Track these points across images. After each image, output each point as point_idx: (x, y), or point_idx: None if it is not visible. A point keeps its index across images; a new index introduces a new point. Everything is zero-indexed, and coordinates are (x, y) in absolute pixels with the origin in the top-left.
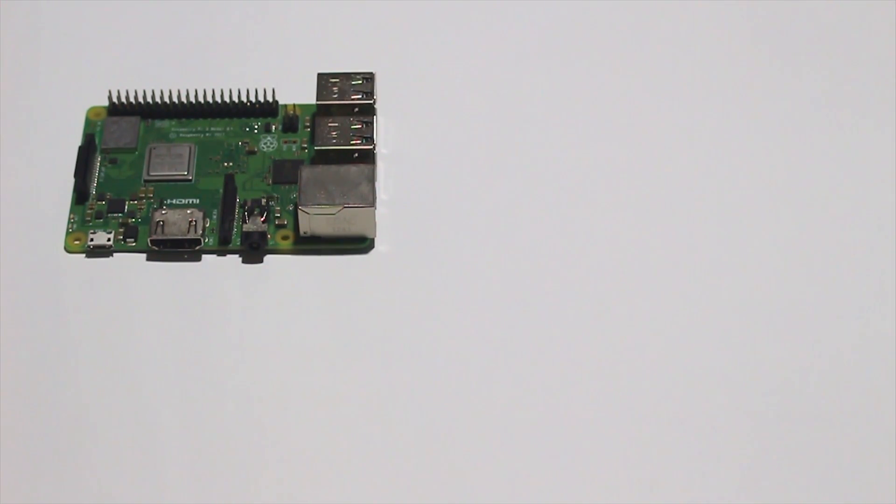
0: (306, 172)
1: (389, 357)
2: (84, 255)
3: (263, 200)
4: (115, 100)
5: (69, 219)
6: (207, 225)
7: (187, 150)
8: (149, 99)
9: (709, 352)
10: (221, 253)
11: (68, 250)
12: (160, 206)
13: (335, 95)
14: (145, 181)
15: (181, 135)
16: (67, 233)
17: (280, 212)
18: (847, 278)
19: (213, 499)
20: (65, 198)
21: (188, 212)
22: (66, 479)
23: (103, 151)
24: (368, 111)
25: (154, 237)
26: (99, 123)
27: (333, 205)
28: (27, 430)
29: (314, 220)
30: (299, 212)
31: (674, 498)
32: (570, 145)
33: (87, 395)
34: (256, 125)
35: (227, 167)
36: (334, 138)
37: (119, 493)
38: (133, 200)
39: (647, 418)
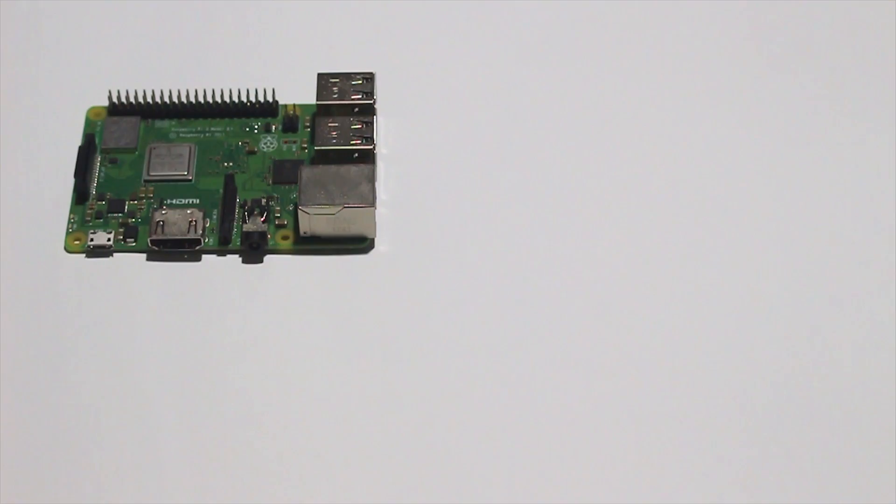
0: (306, 172)
1: (389, 357)
2: (84, 255)
3: (263, 200)
4: (115, 100)
5: (69, 219)
6: (207, 225)
7: (187, 150)
8: (149, 99)
9: (708, 352)
10: (221, 253)
11: (68, 250)
12: (160, 206)
13: (335, 95)
14: (145, 181)
15: (181, 135)
16: (67, 233)
17: (280, 212)
18: (847, 277)
19: (214, 499)
20: (65, 198)
21: (188, 212)
22: (66, 479)
23: (103, 151)
24: (368, 111)
25: (154, 237)
26: (99, 123)
27: (333, 205)
28: (27, 430)
29: (314, 220)
30: (299, 212)
31: (674, 498)
32: (571, 145)
33: (87, 395)
34: (256, 125)
35: (227, 167)
36: (334, 138)
37: (119, 493)
38: (133, 200)
39: (648, 419)
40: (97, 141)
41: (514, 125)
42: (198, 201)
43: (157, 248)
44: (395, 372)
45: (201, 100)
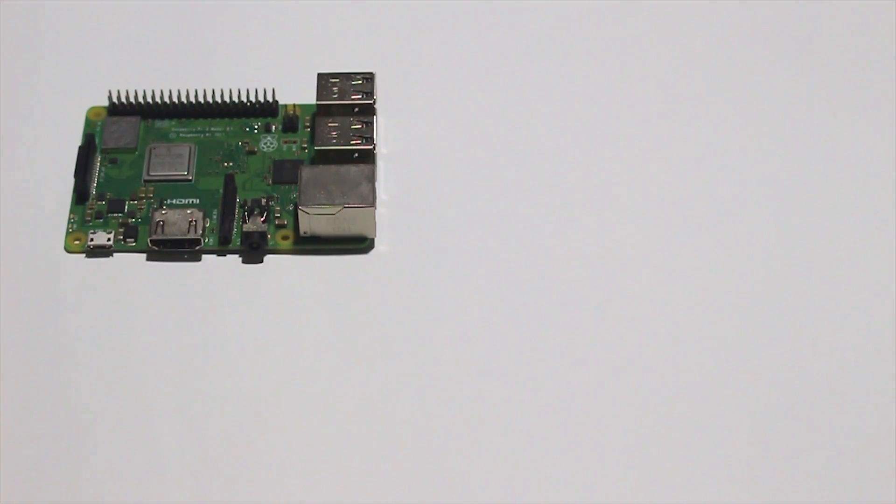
0: (306, 172)
1: (389, 357)
2: (84, 255)
3: (263, 200)
4: (115, 100)
5: (69, 219)
6: (207, 225)
7: (187, 150)
8: (149, 99)
9: (709, 352)
10: (221, 253)
11: (68, 250)
12: (160, 206)
13: (335, 95)
14: (145, 181)
15: (181, 135)
16: (67, 233)
17: (280, 212)
18: (847, 277)
19: (214, 499)
20: (65, 198)
21: (188, 212)
22: (66, 479)
23: (103, 151)
24: (368, 111)
25: (154, 237)
26: (99, 123)
27: (333, 205)
28: (27, 430)
29: (314, 220)
30: (299, 212)
31: (674, 498)
32: (570, 145)
33: (87, 395)
34: (256, 125)
35: (227, 167)
36: (334, 138)
37: (119, 493)
38: (133, 200)
39: (648, 418)
40: (97, 141)
41: (514, 125)
42: (198, 201)
43: (157, 248)
44: (396, 372)
45: (201, 100)
